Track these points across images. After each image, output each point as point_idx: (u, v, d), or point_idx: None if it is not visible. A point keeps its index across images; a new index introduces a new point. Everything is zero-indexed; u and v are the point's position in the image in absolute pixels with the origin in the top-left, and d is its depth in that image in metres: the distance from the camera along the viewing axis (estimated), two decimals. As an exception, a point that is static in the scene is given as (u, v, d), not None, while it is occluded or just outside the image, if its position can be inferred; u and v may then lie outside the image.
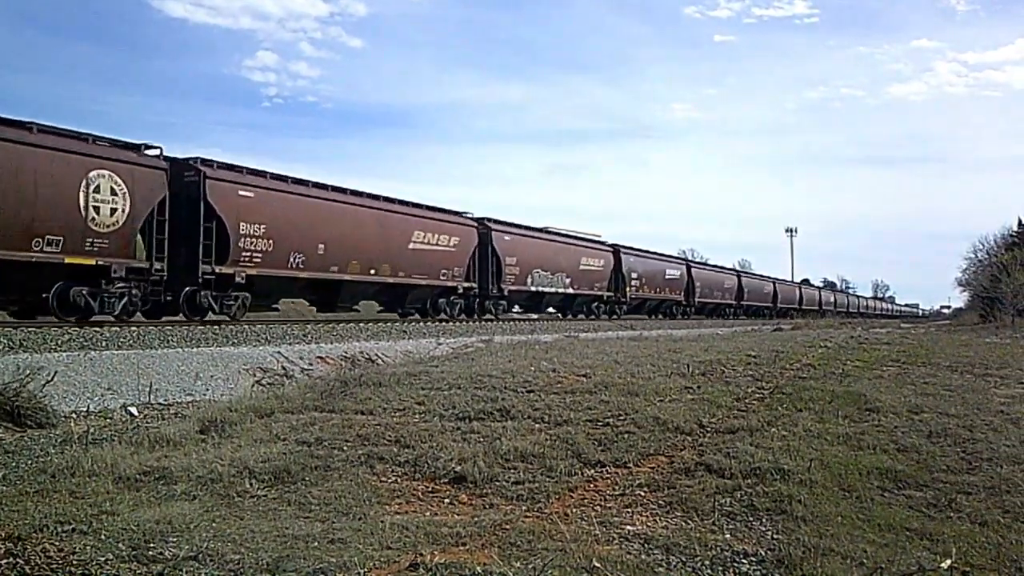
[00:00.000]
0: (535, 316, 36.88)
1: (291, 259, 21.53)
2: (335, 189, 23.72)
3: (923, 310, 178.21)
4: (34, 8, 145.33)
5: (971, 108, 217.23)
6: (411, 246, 26.38)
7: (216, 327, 17.59)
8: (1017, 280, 48.68)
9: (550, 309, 39.05)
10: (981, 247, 77.41)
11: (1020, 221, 70.70)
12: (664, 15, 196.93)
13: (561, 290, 36.17)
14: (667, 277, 47.70)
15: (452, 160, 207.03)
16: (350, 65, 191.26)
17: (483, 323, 28.05)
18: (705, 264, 56.98)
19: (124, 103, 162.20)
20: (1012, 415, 8.89)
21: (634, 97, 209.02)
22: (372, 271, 24.51)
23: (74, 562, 4.23)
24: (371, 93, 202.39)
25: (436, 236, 27.62)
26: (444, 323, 26.35)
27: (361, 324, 22.21)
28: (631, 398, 8.90)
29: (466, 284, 29.50)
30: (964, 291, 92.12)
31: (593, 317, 39.40)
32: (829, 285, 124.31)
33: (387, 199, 26.18)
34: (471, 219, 30.87)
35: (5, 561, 4.20)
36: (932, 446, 7.33)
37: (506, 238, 32.47)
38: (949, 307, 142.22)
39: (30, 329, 14.16)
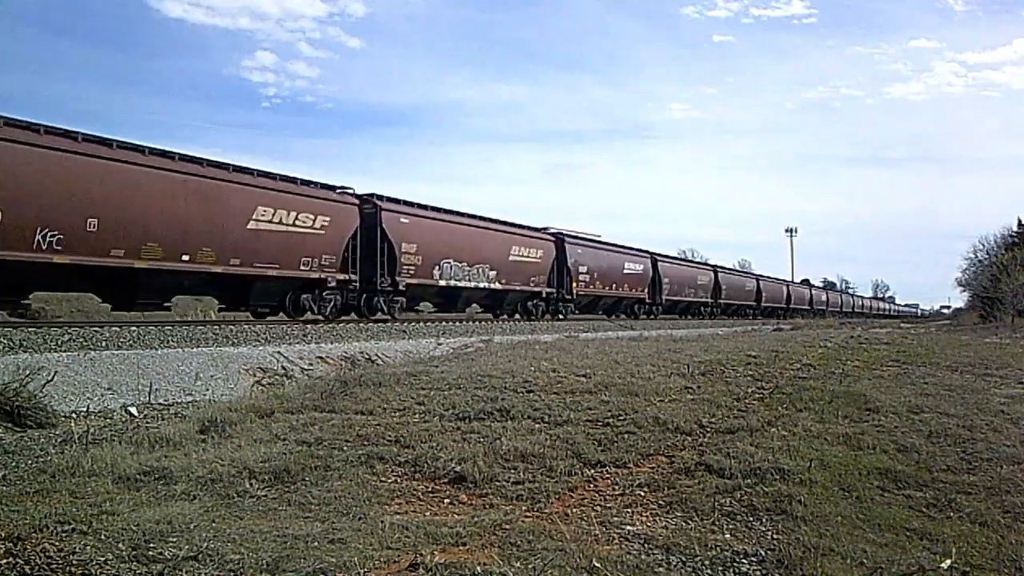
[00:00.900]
0: (451, 316, 30.02)
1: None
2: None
3: (923, 310, 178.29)
4: (33, 8, 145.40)
5: (970, 108, 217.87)
6: (251, 226, 20.36)
7: (216, 327, 17.60)
8: (1017, 280, 48.70)
9: (476, 307, 32.73)
10: (981, 247, 77.51)
11: (1020, 221, 70.80)
12: (662, 15, 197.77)
13: (484, 285, 29.77)
14: (626, 272, 41.97)
15: (451, 160, 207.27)
16: (349, 65, 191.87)
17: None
18: (675, 258, 50.80)
19: (123, 103, 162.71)
20: (1012, 415, 8.89)
21: (633, 97, 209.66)
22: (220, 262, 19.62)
23: (74, 562, 4.23)
24: (370, 93, 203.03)
25: (294, 215, 21.61)
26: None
27: (361, 324, 22.19)
28: (631, 398, 8.91)
29: (341, 276, 23.32)
30: (964, 291, 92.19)
31: (530, 317, 33.35)
32: (829, 285, 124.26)
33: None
34: (353, 195, 24.79)
35: (5, 561, 4.21)
36: (932, 446, 7.33)
37: (402, 220, 25.87)
38: (949, 307, 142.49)
39: (30, 329, 14.16)
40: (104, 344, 13.22)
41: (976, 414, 8.82)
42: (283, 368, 13.78)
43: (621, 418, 7.96)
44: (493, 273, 30.49)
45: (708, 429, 7.74)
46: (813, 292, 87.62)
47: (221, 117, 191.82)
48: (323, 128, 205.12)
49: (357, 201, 24.57)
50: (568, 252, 35.71)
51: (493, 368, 11.00)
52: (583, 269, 37.36)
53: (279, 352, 14.57)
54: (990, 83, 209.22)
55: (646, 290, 44.54)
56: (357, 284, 24.18)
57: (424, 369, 11.10)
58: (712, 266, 60.48)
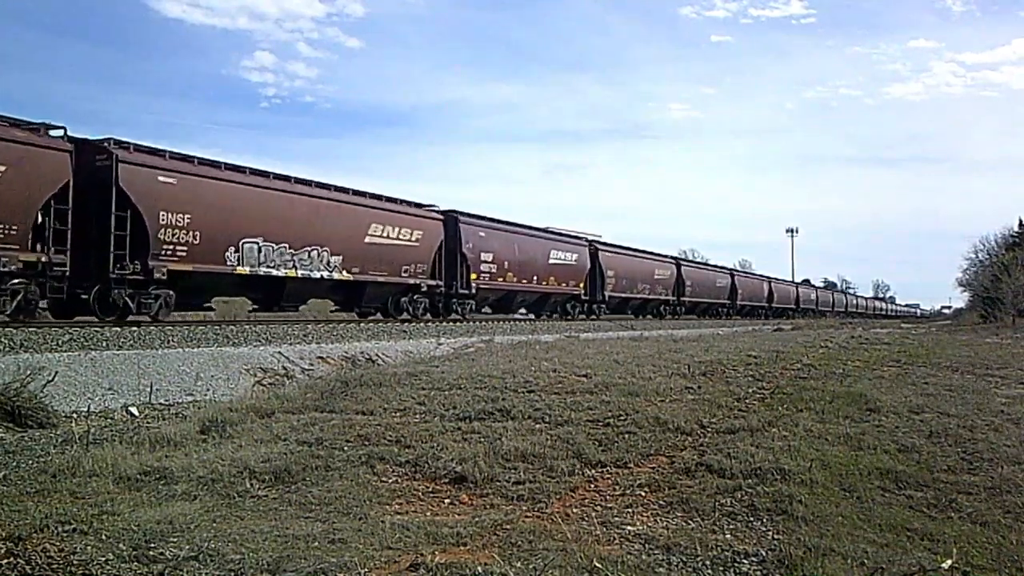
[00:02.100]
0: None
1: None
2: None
3: (924, 310, 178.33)
4: (32, 8, 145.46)
5: (969, 108, 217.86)
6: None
7: (217, 327, 17.60)
8: (1018, 280, 48.73)
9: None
10: (982, 247, 77.57)
11: (1021, 221, 70.83)
12: (661, 15, 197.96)
13: (326, 275, 23.07)
14: (553, 262, 35.57)
15: (450, 160, 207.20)
16: (348, 65, 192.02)
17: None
18: (622, 249, 43.90)
19: (122, 103, 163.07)
20: (1013, 415, 8.89)
21: (632, 97, 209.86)
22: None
23: (75, 562, 4.23)
24: (369, 93, 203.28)
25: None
26: (443, 323, 26.33)
27: (362, 324, 22.26)
28: (632, 398, 8.90)
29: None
30: (965, 291, 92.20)
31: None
32: (830, 285, 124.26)
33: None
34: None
35: (6, 561, 4.20)
36: (933, 446, 7.33)
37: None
38: (950, 307, 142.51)
39: (30, 329, 14.16)
40: (105, 344, 13.22)
41: (977, 414, 8.82)
42: (284, 368, 13.78)
43: (622, 418, 7.95)
44: (338, 259, 24.82)
45: (709, 429, 7.74)
46: (816, 293, 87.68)
47: (220, 117, 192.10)
48: (322, 128, 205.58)
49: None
50: (464, 236, 29.84)
51: (494, 368, 11.00)
52: (487, 259, 31.22)
53: (280, 352, 14.58)
54: (989, 83, 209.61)
55: (582, 285, 38.63)
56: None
57: (425, 369, 11.10)
58: (675, 259, 57.87)
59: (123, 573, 4.12)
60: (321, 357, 15.08)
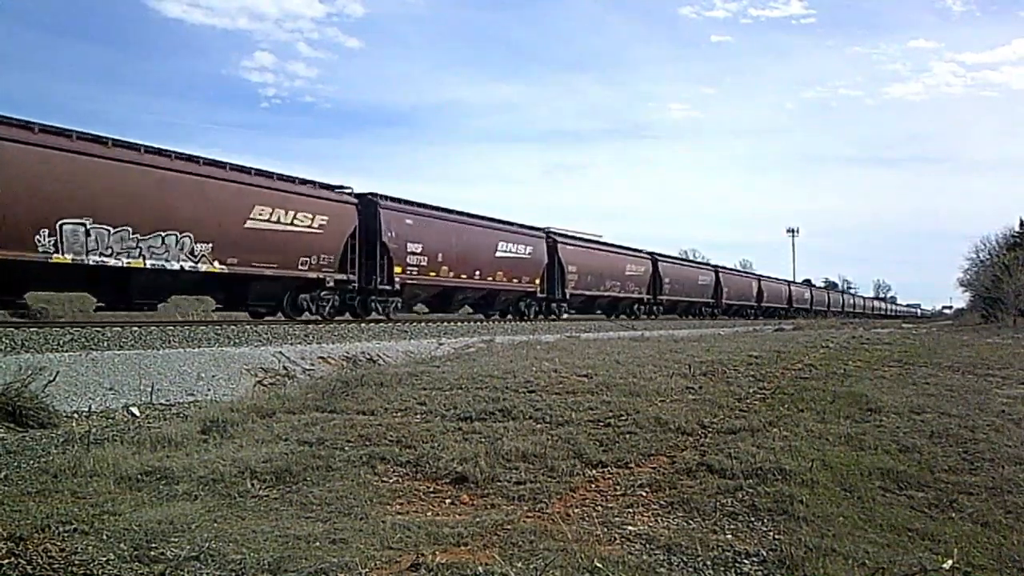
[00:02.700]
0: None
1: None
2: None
3: (925, 310, 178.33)
4: (31, 8, 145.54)
5: (969, 108, 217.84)
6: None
7: (218, 327, 17.61)
8: (1019, 280, 48.68)
9: (179, 300, 25.79)
10: (983, 247, 77.39)
11: (1021, 221, 70.65)
12: (661, 16, 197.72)
13: (188, 267, 18.70)
14: (502, 255, 31.69)
15: (450, 160, 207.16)
16: (348, 65, 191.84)
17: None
18: (587, 242, 40.21)
19: (122, 103, 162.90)
20: (1014, 415, 8.89)
21: (632, 97, 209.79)
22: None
23: (76, 562, 4.23)
24: (369, 93, 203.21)
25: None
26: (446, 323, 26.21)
27: (363, 325, 22.23)
28: (632, 398, 8.90)
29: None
30: (966, 291, 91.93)
31: (307, 319, 22.48)
32: (831, 285, 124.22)
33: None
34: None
35: (7, 561, 4.21)
36: (934, 446, 7.33)
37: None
38: (951, 307, 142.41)
39: (32, 329, 14.17)
40: (106, 344, 13.23)
41: (978, 414, 8.82)
42: (285, 368, 13.78)
43: (623, 418, 7.95)
44: (208, 247, 20.92)
45: (710, 429, 7.73)
46: (809, 291, 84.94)
47: (220, 117, 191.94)
48: (322, 128, 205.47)
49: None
50: (384, 223, 25.52)
51: (494, 368, 11.00)
52: (416, 249, 26.85)
53: (280, 352, 14.58)
54: (989, 83, 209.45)
55: (538, 280, 34.99)
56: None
57: (425, 369, 11.10)
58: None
59: (124, 573, 4.13)
60: (322, 357, 15.09)
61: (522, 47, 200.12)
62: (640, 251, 45.80)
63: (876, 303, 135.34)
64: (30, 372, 9.57)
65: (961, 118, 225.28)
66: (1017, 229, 70.15)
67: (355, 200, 24.42)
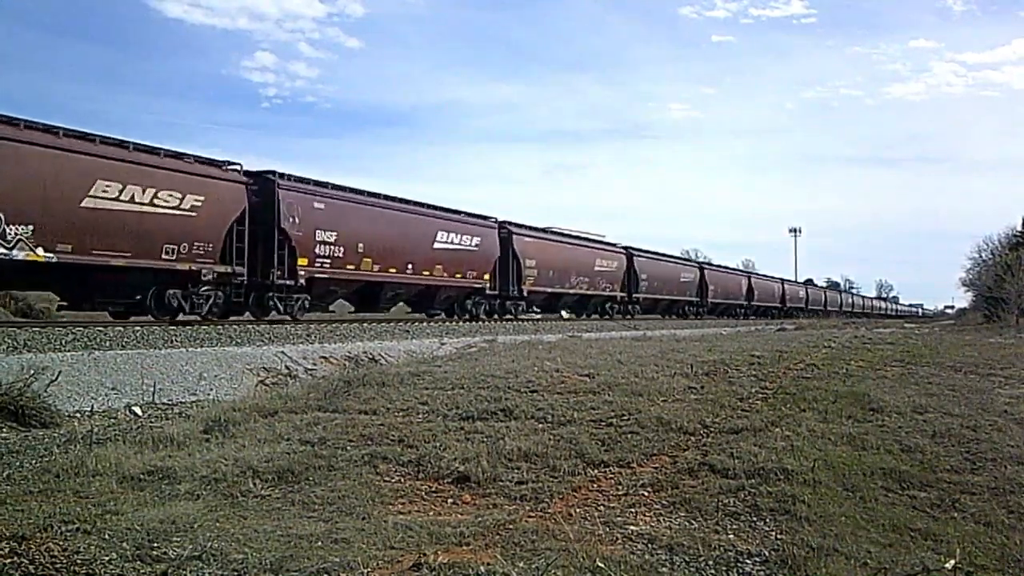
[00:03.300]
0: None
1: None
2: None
3: (927, 310, 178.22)
4: (32, 8, 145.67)
5: (971, 108, 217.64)
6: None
7: (220, 327, 17.62)
8: (1021, 280, 48.57)
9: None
10: (985, 247, 77.28)
11: (1024, 221, 70.52)
12: (661, 15, 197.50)
13: (12, 255, 15.19)
14: (442, 247, 28.14)
15: (451, 160, 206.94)
16: (348, 65, 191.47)
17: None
18: (548, 234, 36.48)
19: (123, 103, 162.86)
20: (1016, 415, 8.87)
21: (632, 97, 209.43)
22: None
23: (78, 561, 4.24)
24: (370, 93, 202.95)
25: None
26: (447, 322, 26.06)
27: (365, 324, 22.25)
28: (634, 398, 8.90)
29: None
30: (968, 291, 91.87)
31: (183, 319, 19.29)
32: (833, 285, 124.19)
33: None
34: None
35: (10, 560, 4.21)
36: (936, 446, 7.32)
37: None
38: (953, 307, 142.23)
39: (34, 329, 14.19)
40: (108, 344, 13.25)
41: (980, 414, 8.80)
42: (287, 368, 13.79)
43: (624, 418, 7.95)
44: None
45: (712, 429, 7.73)
46: (806, 290, 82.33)
47: (221, 117, 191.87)
48: (323, 128, 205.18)
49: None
50: (282, 201, 21.64)
51: (496, 368, 10.99)
52: (328, 238, 23.30)
53: (283, 352, 14.59)
54: (990, 83, 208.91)
55: (489, 277, 31.87)
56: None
57: (427, 369, 11.10)
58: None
59: (126, 572, 4.14)
60: (324, 357, 15.10)
61: (522, 47, 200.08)
62: (613, 245, 42.60)
63: (878, 303, 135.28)
64: (32, 372, 9.58)
65: (962, 118, 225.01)
66: (1019, 228, 69.99)
67: (245, 179, 20.68)
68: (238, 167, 21.02)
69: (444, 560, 4.24)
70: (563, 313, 40.52)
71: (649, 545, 4.73)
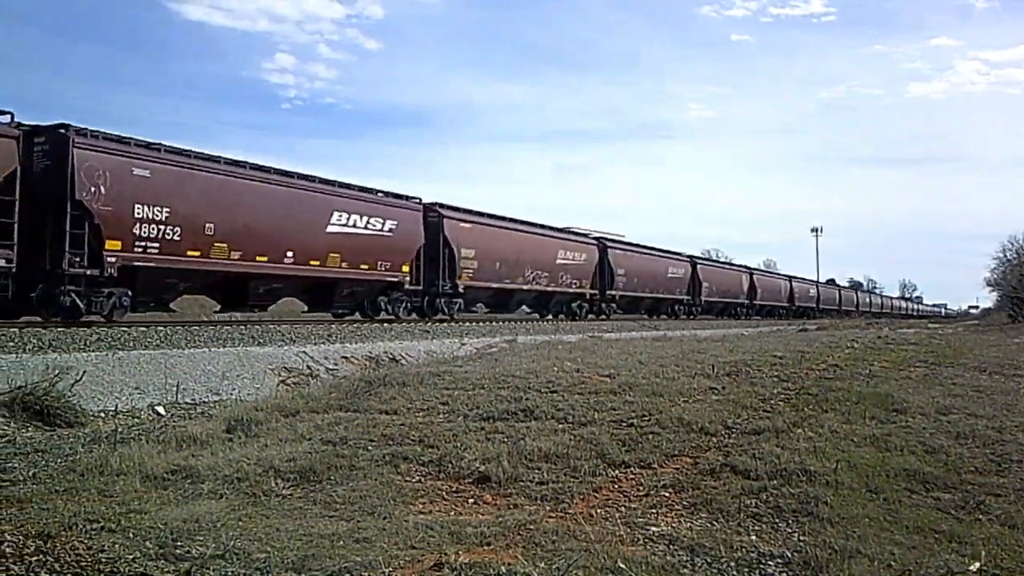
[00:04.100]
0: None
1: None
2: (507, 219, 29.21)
3: (950, 310, 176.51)
4: (56, 12, 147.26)
5: (994, 106, 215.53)
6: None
7: (243, 327, 17.72)
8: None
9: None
10: (1010, 247, 76.42)
11: (1050, 220, 69.72)
12: (679, 15, 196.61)
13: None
14: (338, 231, 22.88)
15: (463, 159, 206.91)
16: (367, 66, 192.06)
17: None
18: (495, 219, 30.90)
19: (144, 104, 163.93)
20: (1042, 416, 8.78)
21: (649, 97, 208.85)
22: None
23: (103, 559, 4.28)
24: (387, 94, 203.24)
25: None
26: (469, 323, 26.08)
27: (385, 324, 22.30)
28: (655, 399, 8.87)
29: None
30: (993, 291, 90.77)
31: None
32: (855, 285, 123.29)
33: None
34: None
35: (35, 558, 4.26)
36: (960, 447, 7.25)
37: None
38: (977, 307, 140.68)
39: (59, 329, 14.32)
40: (132, 344, 13.35)
41: (1005, 415, 8.72)
42: (308, 368, 13.85)
43: (645, 419, 7.93)
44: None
45: (733, 430, 7.70)
46: (816, 288, 76.88)
47: (242, 118, 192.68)
48: (342, 129, 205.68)
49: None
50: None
51: (516, 368, 10.99)
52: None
53: (304, 352, 14.65)
54: (1013, 81, 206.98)
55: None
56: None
57: (448, 369, 11.11)
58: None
59: (150, 571, 4.16)
60: (345, 357, 15.15)
61: (537, 48, 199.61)
62: (584, 235, 37.86)
63: (901, 303, 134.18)
64: (57, 372, 9.68)
65: (985, 116, 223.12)
66: (1045, 228, 69.24)
67: (16, 132, 16.18)
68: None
69: (465, 560, 4.24)
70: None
71: (670, 546, 4.71)
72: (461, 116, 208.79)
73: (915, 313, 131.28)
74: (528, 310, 35.27)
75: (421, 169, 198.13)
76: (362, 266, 23.64)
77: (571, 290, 35.22)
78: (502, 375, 10.24)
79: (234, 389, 11.80)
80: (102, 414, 9.59)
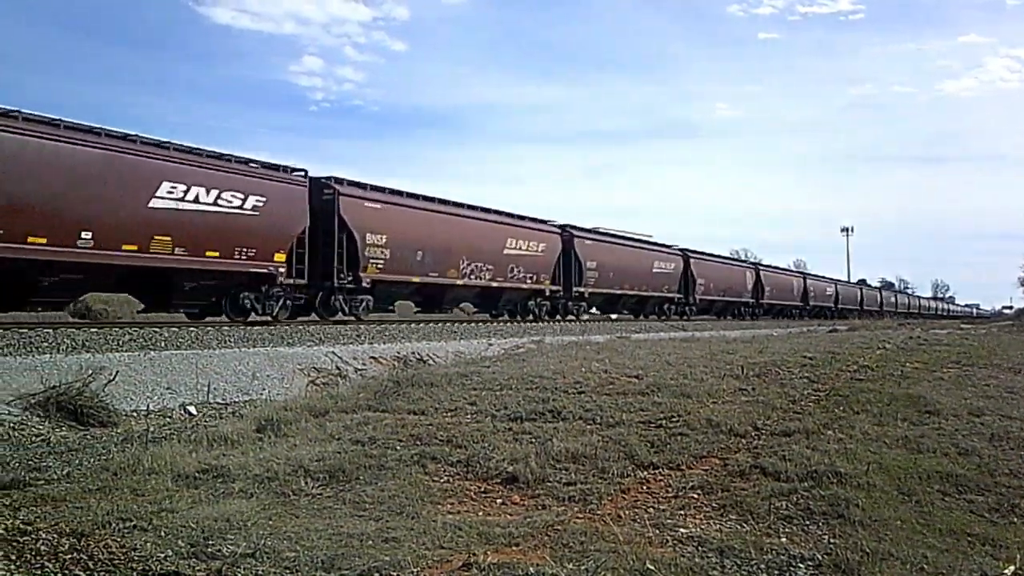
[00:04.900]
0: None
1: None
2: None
3: (983, 310, 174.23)
4: (87, 16, 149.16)
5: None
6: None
7: (272, 327, 17.85)
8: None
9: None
10: (1046, 245, 75.30)
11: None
12: (707, 14, 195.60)
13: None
14: (165, 206, 17.28)
15: (491, 160, 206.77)
16: (394, 68, 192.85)
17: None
18: (413, 199, 25.70)
19: (172, 107, 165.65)
20: (1078, 418, 8.64)
21: (677, 97, 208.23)
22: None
23: (135, 558, 4.32)
24: (414, 96, 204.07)
25: None
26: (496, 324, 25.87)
27: (413, 325, 22.35)
28: (684, 400, 8.83)
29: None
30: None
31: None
32: (887, 285, 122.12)
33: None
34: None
35: (70, 556, 4.32)
36: (994, 449, 7.16)
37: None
38: (1011, 307, 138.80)
39: (92, 330, 14.50)
40: (163, 344, 13.49)
41: (1040, 417, 8.60)
42: (337, 368, 13.93)
43: (674, 420, 7.89)
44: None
45: (763, 431, 7.64)
46: (835, 287, 72.19)
47: (270, 121, 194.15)
48: (370, 131, 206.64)
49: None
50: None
51: (544, 369, 10.99)
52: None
53: (333, 352, 14.73)
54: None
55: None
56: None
57: (475, 369, 11.13)
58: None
59: (182, 569, 4.20)
60: (373, 357, 15.22)
61: (564, 48, 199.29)
62: (544, 223, 32.64)
63: (933, 303, 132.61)
64: (91, 372, 9.81)
65: (1019, 113, 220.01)
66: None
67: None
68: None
69: (494, 560, 4.25)
70: (611, 316, 38.95)
71: (699, 548, 4.69)
72: (489, 117, 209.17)
73: (947, 313, 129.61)
74: (474, 309, 31.18)
75: (448, 170, 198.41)
76: (208, 254, 18.55)
77: (525, 286, 30.42)
78: (529, 375, 10.24)
79: (264, 389, 11.89)
80: (134, 414, 9.70)
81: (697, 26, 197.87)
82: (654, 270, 39.88)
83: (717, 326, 36.71)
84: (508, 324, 26.33)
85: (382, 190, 24.21)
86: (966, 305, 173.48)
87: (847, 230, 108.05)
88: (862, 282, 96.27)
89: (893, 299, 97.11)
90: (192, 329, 16.20)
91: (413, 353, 16.26)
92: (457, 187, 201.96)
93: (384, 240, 23.26)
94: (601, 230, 37.75)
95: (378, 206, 23.49)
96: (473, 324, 24.92)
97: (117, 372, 10.32)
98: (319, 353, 14.51)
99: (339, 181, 22.69)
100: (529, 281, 30.44)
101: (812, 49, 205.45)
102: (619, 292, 36.89)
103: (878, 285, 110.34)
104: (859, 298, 79.66)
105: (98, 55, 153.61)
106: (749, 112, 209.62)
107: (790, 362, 12.39)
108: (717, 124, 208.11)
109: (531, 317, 30.84)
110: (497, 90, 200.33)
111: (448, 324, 23.29)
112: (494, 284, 28.41)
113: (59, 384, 9.29)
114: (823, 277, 73.75)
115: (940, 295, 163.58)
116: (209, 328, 16.65)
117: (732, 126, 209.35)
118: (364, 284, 22.71)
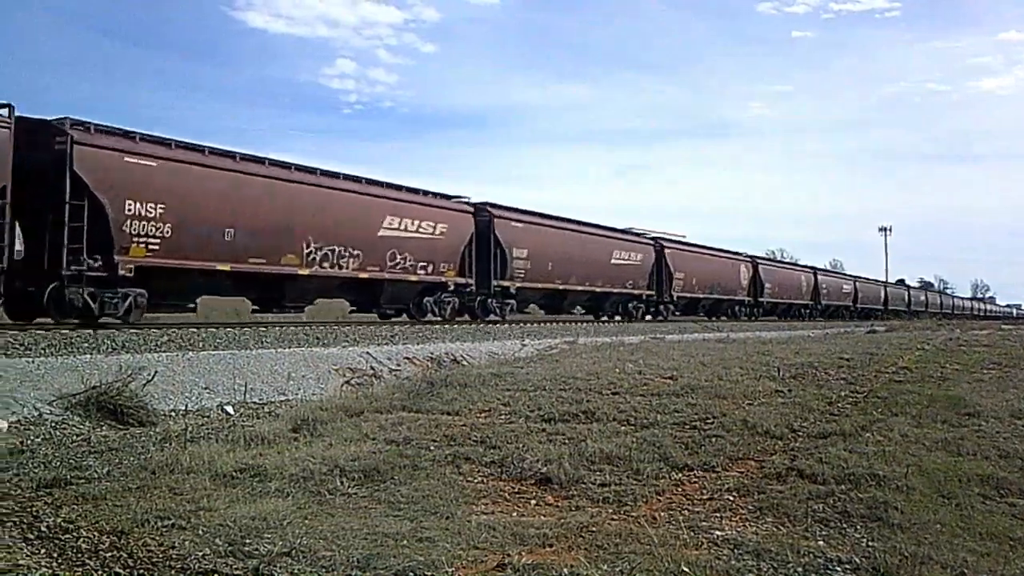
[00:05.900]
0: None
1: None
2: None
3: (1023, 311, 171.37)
4: (123, 21, 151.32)
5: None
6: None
7: (308, 328, 17.99)
8: None
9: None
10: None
11: None
12: (738, 12, 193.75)
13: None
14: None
15: (520, 160, 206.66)
16: (425, 70, 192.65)
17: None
18: (333, 179, 21.60)
19: (208, 110, 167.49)
20: (1124, 421, 8.47)
21: (709, 96, 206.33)
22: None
23: (173, 556, 4.38)
24: (445, 97, 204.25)
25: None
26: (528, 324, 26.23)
27: (446, 326, 22.42)
28: (719, 401, 8.78)
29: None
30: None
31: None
32: (926, 285, 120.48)
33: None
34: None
35: (110, 554, 4.38)
36: (1037, 452, 7.03)
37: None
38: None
39: (131, 331, 14.69)
40: (201, 345, 13.63)
41: (1085, 420, 8.43)
42: (372, 368, 14.00)
43: (709, 421, 7.85)
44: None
45: (800, 433, 7.58)
46: (854, 285, 66.01)
47: (303, 123, 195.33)
48: (401, 132, 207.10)
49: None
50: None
51: (578, 369, 10.98)
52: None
53: (368, 353, 14.81)
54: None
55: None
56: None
57: (509, 370, 11.14)
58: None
59: (219, 567, 4.24)
60: (408, 358, 15.28)
61: (594, 48, 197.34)
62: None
63: (972, 303, 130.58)
64: (130, 372, 9.92)
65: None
66: None
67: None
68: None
69: (528, 561, 4.25)
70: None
71: (735, 550, 4.65)
72: (517, 117, 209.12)
73: (987, 314, 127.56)
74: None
75: (476, 170, 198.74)
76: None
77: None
78: (563, 376, 10.23)
79: (300, 389, 11.98)
80: (173, 413, 9.82)
81: (728, 25, 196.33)
82: (613, 261, 33.88)
83: (694, 328, 31.77)
84: (543, 325, 26.39)
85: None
86: (1007, 305, 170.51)
87: (885, 230, 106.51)
88: (900, 282, 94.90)
89: (933, 300, 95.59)
90: (229, 330, 16.37)
91: (447, 353, 16.30)
92: (485, 188, 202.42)
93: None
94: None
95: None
96: (508, 326, 24.96)
97: (156, 372, 10.44)
98: (354, 353, 14.60)
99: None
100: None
101: (846, 47, 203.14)
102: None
103: (917, 285, 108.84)
104: (905, 299, 76.92)
105: (127, 57, 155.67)
106: (782, 111, 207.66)
107: (827, 363, 12.28)
108: (750, 123, 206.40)
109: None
110: (528, 90, 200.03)
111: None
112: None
113: (99, 384, 9.42)
114: (840, 273, 71.16)
115: (980, 295, 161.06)
116: (246, 329, 16.83)
117: (766, 125, 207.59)
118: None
